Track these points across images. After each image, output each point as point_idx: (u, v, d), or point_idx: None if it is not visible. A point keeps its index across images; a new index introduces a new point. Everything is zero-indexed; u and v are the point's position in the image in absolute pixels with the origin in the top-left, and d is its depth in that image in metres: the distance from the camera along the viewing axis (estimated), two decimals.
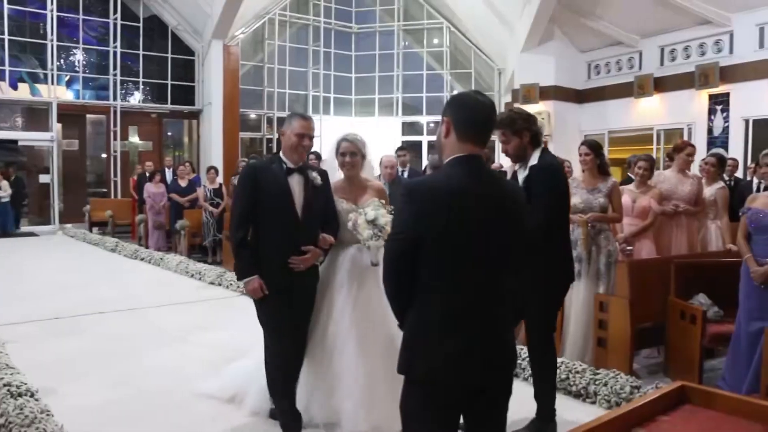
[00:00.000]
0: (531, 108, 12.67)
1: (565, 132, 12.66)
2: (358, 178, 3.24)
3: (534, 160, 3.04)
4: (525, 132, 3.08)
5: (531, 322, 3.10)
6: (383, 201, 3.15)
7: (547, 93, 12.88)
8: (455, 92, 15.29)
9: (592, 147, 4.37)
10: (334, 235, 3.10)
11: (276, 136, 15.04)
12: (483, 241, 1.83)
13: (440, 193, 1.82)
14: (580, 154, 4.39)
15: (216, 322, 5.52)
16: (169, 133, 15.75)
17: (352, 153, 3.18)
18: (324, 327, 3.08)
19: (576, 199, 4.30)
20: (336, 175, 3.28)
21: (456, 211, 1.80)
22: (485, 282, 1.85)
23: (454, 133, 1.89)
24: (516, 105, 12.98)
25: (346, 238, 3.15)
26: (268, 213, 2.92)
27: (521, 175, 3.08)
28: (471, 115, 1.89)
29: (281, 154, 3.02)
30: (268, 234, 2.93)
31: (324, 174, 3.11)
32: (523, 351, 3.86)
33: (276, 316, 2.95)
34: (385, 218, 2.99)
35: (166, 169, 11.75)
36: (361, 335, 3.02)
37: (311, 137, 3.00)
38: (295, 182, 2.98)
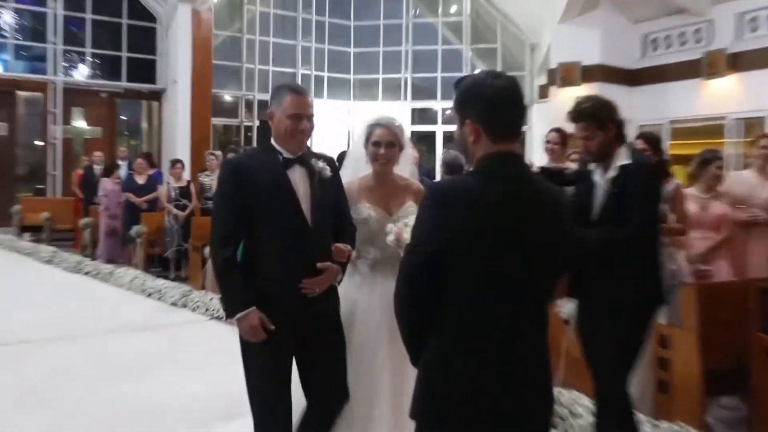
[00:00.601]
0: (571, 92, 12.61)
1: None
2: (392, 177, 3.11)
3: (624, 158, 3.11)
4: (611, 124, 3.16)
5: (603, 359, 3.05)
6: None
7: (592, 74, 12.84)
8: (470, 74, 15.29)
9: (649, 141, 4.35)
10: (352, 244, 2.91)
11: (257, 122, 15.04)
12: (522, 262, 1.82)
13: (471, 198, 1.81)
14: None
15: (180, 355, 5.45)
16: (124, 118, 15.78)
17: (388, 143, 3.04)
18: (355, 370, 2.89)
19: None
20: (362, 170, 3.14)
21: (490, 221, 1.80)
22: (522, 311, 1.85)
23: (485, 136, 1.88)
24: (553, 88, 13.04)
25: (371, 253, 3.04)
26: (265, 220, 2.69)
27: (601, 176, 3.14)
28: (500, 112, 1.88)
29: (273, 141, 2.81)
30: (266, 248, 2.70)
31: (332, 162, 2.90)
32: (572, 397, 3.78)
33: (279, 364, 2.69)
34: None
35: (120, 162, 11.72)
36: (398, 378, 2.88)
37: (310, 117, 2.80)
38: (298, 176, 2.77)
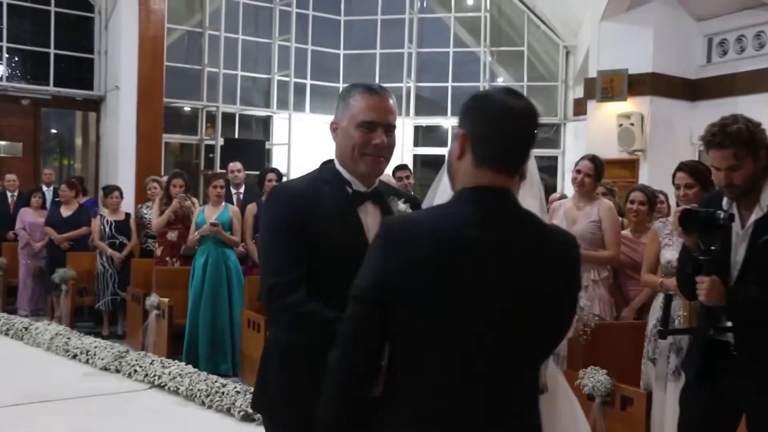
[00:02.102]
0: (614, 108, 12.80)
1: (668, 145, 12.72)
2: None
3: None
4: (763, 152, 3.24)
5: None
6: None
7: (641, 85, 12.99)
8: (490, 85, 15.48)
9: (696, 173, 4.48)
10: None
11: (221, 141, 15.19)
12: (490, 321, 1.88)
13: (425, 238, 1.88)
14: (678, 185, 4.53)
15: None
16: (54, 131, 15.84)
17: None
18: None
19: (672, 254, 4.33)
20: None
21: (448, 268, 1.86)
22: (490, 386, 1.90)
23: (470, 155, 1.97)
24: (591, 102, 13.20)
25: None
26: (331, 276, 2.43)
27: (746, 218, 3.24)
28: (495, 129, 1.97)
29: (337, 164, 2.66)
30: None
31: (417, 202, 2.83)
32: None
33: None
34: None
35: (44, 188, 11.78)
36: None
37: (391, 128, 2.62)
38: (371, 219, 2.59)
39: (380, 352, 1.93)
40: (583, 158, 5.73)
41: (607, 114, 12.98)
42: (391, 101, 2.62)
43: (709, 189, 4.43)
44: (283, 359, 2.55)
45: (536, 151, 2.97)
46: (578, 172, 5.61)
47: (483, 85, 15.73)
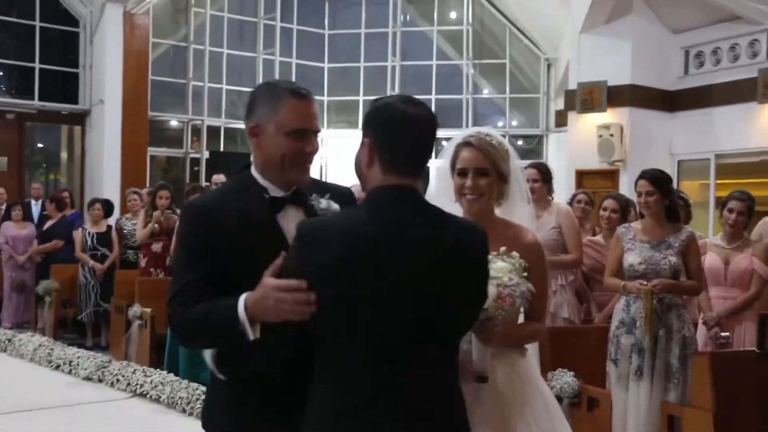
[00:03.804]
0: (593, 119, 12.92)
1: (647, 156, 12.81)
2: (492, 220, 2.82)
3: None
4: None
5: None
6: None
7: (620, 96, 13.12)
8: (473, 98, 15.55)
9: (656, 181, 4.60)
10: None
11: (206, 154, 15.23)
12: (390, 316, 2.00)
13: (333, 239, 2.01)
14: (639, 193, 4.64)
15: None
16: (39, 145, 15.87)
17: (478, 171, 2.78)
18: None
19: (634, 258, 4.48)
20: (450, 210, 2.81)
21: (352, 265, 1.99)
22: (393, 380, 2.01)
23: (378, 162, 2.11)
24: (572, 113, 13.33)
25: None
26: (253, 286, 2.24)
27: None
28: (397, 137, 2.10)
29: (253, 171, 2.52)
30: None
31: (347, 197, 2.63)
32: None
33: None
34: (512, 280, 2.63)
35: (32, 202, 11.85)
36: None
37: (316, 133, 2.48)
38: (292, 223, 2.38)
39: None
40: (527, 167, 5.80)
41: (587, 125, 13.10)
42: (315, 104, 2.51)
43: (669, 197, 4.57)
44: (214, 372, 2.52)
45: (520, 162, 3.02)
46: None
47: (466, 97, 15.88)
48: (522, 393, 2.75)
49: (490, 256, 2.44)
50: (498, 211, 2.89)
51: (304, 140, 2.42)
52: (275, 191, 2.47)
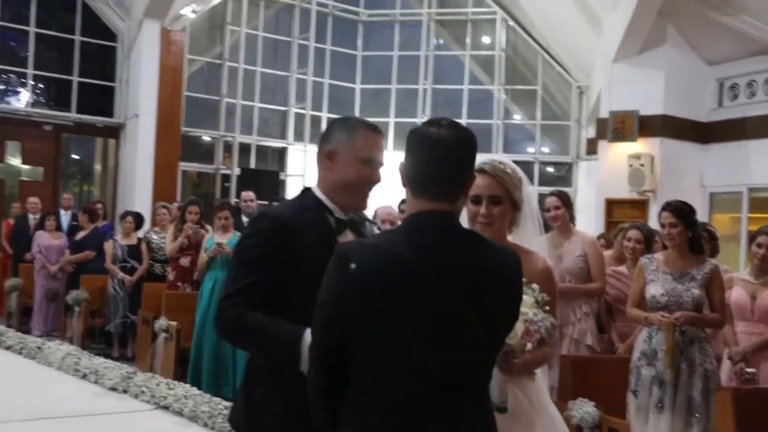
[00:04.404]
0: (624, 149, 12.90)
1: (678, 187, 12.76)
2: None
3: None
4: None
5: None
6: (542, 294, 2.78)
7: (652, 126, 13.09)
8: (503, 123, 15.57)
9: (679, 213, 4.60)
10: None
11: (237, 170, 15.36)
12: (429, 340, 1.99)
13: (371, 262, 2.00)
14: (663, 224, 4.65)
15: None
16: (75, 157, 16.09)
17: (492, 198, 2.82)
18: None
19: (656, 289, 4.48)
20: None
21: (382, 287, 1.98)
22: (433, 399, 2.01)
23: (408, 187, 2.12)
24: (602, 142, 13.31)
25: None
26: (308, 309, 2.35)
27: None
28: (420, 161, 2.09)
29: (318, 191, 2.67)
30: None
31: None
32: None
33: None
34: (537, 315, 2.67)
35: (62, 212, 12.01)
36: None
37: (381, 165, 2.65)
38: None
39: (344, 368, 2.04)
40: (547, 196, 5.84)
41: (618, 154, 13.08)
42: (383, 140, 2.71)
43: (693, 229, 4.58)
44: (264, 376, 2.60)
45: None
46: (548, 210, 5.70)
47: (497, 122, 15.93)
48: (532, 417, 2.78)
49: None
50: (510, 238, 2.92)
51: (372, 169, 2.61)
52: (338, 213, 2.62)
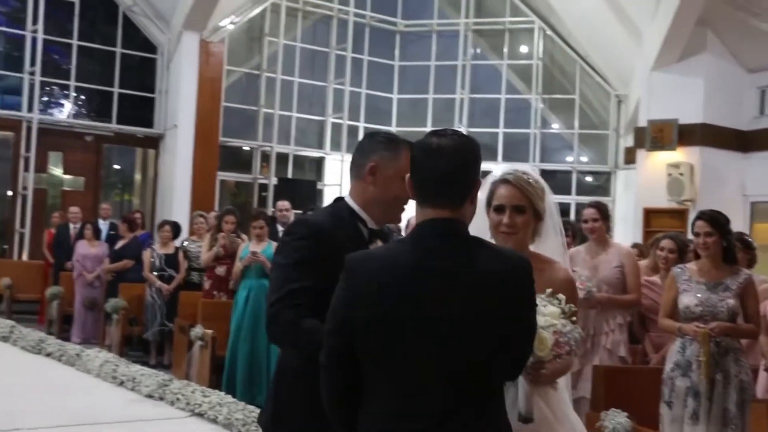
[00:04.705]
0: (663, 158, 12.79)
1: (718, 196, 12.64)
2: (527, 255, 2.72)
3: None
4: None
5: None
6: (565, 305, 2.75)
7: (691, 135, 13.00)
8: (541, 132, 15.53)
9: (715, 222, 4.57)
10: None
11: (274, 180, 15.49)
12: (431, 343, 2.05)
13: (372, 267, 2.10)
14: (697, 233, 4.61)
15: None
16: (118, 167, 16.33)
17: (516, 208, 2.83)
18: None
19: (690, 299, 4.45)
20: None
21: (387, 293, 2.07)
22: (438, 403, 2.05)
23: (414, 196, 2.20)
24: (641, 151, 13.22)
25: None
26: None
27: None
28: (421, 170, 2.17)
29: (351, 201, 2.76)
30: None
31: None
32: None
33: None
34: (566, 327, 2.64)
35: (100, 221, 12.18)
36: None
37: None
38: None
39: (356, 371, 2.12)
40: (585, 207, 5.83)
41: (656, 163, 12.98)
42: None
43: (727, 238, 4.54)
44: (290, 376, 2.67)
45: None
46: (585, 221, 5.70)
47: (534, 131, 15.88)
48: (554, 427, 2.79)
49: (538, 299, 2.55)
50: (532, 248, 2.92)
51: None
52: (371, 224, 2.71)
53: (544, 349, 2.52)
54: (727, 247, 4.58)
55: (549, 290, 2.69)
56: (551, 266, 2.89)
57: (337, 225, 2.65)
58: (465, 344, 2.06)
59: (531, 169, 2.96)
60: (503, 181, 2.83)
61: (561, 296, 2.70)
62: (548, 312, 2.59)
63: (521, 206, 2.81)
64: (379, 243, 2.72)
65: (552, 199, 2.96)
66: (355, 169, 2.75)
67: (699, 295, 4.52)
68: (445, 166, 2.13)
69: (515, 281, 2.15)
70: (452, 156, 2.13)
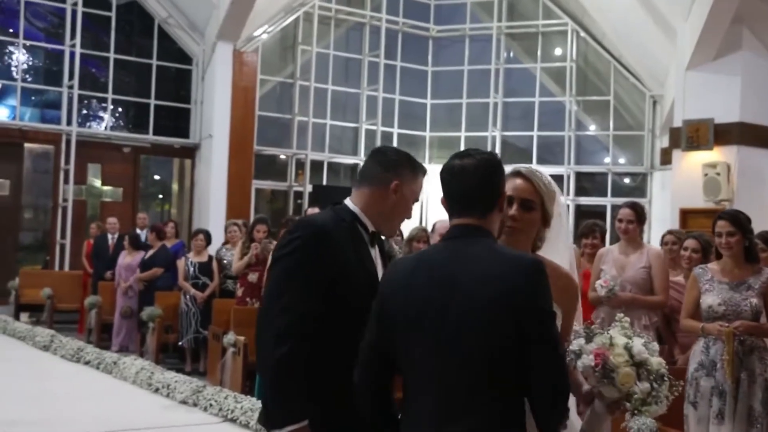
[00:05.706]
0: (699, 157, 12.67)
1: (756, 195, 12.49)
2: None
3: None
4: None
5: None
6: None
7: (728, 134, 12.83)
8: (575, 134, 15.48)
9: (737, 222, 4.60)
10: None
11: (309, 187, 15.63)
12: (429, 338, 2.23)
13: (398, 269, 2.43)
14: (720, 233, 4.63)
15: None
16: (158, 177, 16.58)
17: (524, 202, 2.71)
18: None
19: (713, 299, 4.46)
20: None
21: (393, 289, 2.36)
22: (439, 400, 2.21)
23: (447, 212, 2.45)
24: (677, 152, 13.09)
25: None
26: (350, 316, 2.67)
27: None
28: (448, 188, 2.42)
29: (352, 205, 2.88)
30: (343, 355, 2.59)
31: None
32: None
33: None
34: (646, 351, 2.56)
35: (138, 231, 12.37)
36: None
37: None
38: (379, 258, 2.92)
39: (388, 373, 2.38)
40: (622, 206, 5.84)
41: (692, 163, 12.84)
42: None
43: (749, 237, 4.53)
44: None
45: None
46: (620, 221, 5.71)
47: (569, 134, 15.82)
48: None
49: (612, 332, 2.59)
50: (544, 251, 2.83)
51: (413, 208, 2.95)
52: (371, 228, 2.87)
53: (626, 383, 2.47)
54: (748, 247, 4.60)
55: (621, 315, 2.70)
56: (554, 269, 2.72)
57: (338, 227, 2.78)
58: (463, 342, 2.20)
59: (544, 169, 3.06)
60: (516, 173, 2.74)
61: (626, 324, 2.66)
62: (637, 350, 2.53)
63: (531, 201, 2.69)
64: (376, 247, 2.90)
65: (564, 208, 2.91)
66: (373, 179, 2.88)
67: (722, 295, 4.54)
68: (465, 186, 2.38)
69: (513, 282, 2.23)
70: (472, 176, 2.37)
